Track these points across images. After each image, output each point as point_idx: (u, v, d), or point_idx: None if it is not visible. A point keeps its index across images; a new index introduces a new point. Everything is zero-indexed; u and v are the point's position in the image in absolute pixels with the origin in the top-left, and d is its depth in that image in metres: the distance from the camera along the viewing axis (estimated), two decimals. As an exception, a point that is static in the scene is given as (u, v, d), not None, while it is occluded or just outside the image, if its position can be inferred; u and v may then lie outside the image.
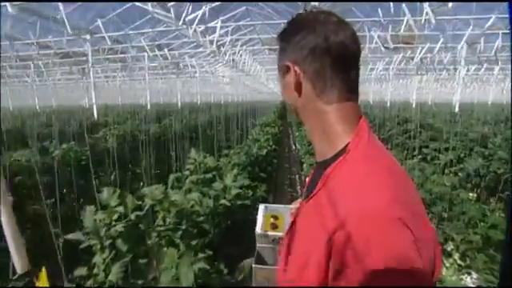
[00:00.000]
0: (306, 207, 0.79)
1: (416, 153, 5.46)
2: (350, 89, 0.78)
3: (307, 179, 0.97)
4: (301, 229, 0.78)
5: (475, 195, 3.61)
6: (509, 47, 6.55)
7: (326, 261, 0.64)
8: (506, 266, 0.55)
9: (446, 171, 4.31)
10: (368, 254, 0.59)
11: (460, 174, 4.35)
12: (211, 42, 8.23)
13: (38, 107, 13.62)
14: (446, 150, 4.57)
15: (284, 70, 0.80)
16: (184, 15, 5.89)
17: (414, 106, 13.44)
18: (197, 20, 5.89)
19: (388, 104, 14.14)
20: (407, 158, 5.10)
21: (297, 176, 8.27)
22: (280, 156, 6.74)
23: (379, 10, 5.37)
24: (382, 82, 15.87)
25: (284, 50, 0.81)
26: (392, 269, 0.58)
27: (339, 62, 0.75)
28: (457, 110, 10.51)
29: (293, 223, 0.84)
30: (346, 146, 0.74)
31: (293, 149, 11.90)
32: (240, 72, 12.57)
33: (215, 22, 7.17)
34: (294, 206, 1.23)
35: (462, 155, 4.84)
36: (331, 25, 0.76)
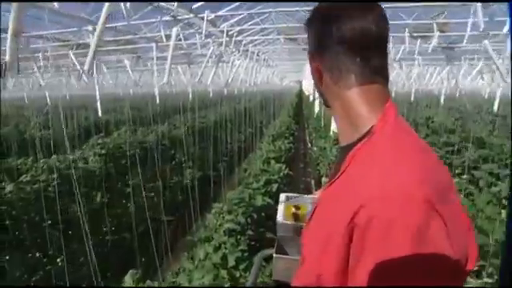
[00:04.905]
0: (327, 193, 0.77)
1: (460, 171, 4.61)
2: (372, 72, 0.74)
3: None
4: (321, 215, 0.75)
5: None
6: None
7: (346, 246, 0.60)
8: (505, 266, 0.51)
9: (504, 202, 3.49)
10: (391, 239, 0.54)
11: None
12: (222, 31, 7.62)
13: (48, 100, 13.30)
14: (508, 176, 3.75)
15: (310, 58, 0.81)
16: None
17: (442, 101, 12.39)
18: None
19: (412, 98, 13.09)
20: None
21: (313, 181, 7.57)
22: (294, 174, 5.70)
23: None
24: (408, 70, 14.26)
25: (308, 39, 0.82)
26: (417, 256, 0.53)
27: (355, 48, 0.72)
28: (495, 108, 9.49)
29: (314, 211, 0.81)
30: (371, 128, 0.71)
31: (308, 146, 11.13)
32: (254, 63, 11.87)
33: (225, 9, 6.60)
34: (317, 195, 1.27)
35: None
36: (347, 12, 0.73)
